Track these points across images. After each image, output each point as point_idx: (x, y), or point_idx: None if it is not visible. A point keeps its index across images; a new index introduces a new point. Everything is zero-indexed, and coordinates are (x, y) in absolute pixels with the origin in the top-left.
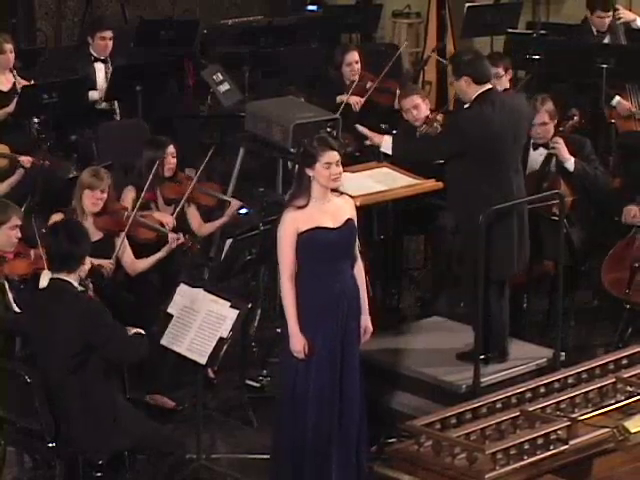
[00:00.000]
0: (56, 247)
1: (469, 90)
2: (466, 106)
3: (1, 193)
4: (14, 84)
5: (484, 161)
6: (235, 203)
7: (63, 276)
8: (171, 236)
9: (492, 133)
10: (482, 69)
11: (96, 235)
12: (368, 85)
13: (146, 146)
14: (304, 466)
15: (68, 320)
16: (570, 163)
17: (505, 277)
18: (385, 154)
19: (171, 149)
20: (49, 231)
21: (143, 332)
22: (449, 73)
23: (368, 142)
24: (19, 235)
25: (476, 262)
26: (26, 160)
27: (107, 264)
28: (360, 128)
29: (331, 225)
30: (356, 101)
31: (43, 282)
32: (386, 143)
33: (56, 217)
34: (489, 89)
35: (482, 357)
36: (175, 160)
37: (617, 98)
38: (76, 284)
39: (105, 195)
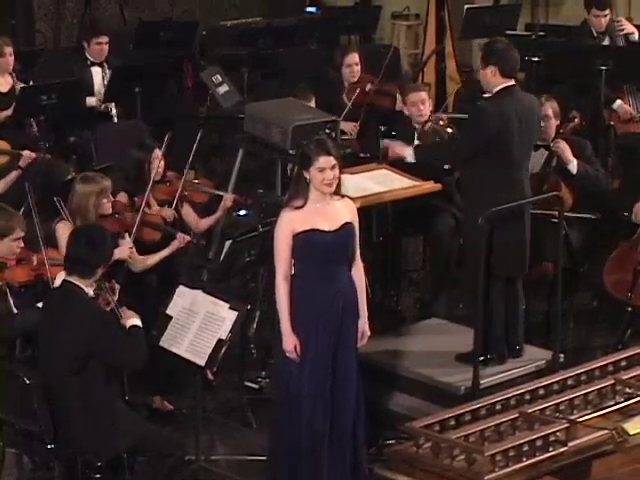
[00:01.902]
0: (74, 251)
1: (493, 80)
2: (486, 95)
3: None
4: (13, 86)
5: (498, 159)
6: (228, 197)
7: (75, 280)
8: (180, 235)
9: (508, 128)
10: (511, 62)
11: None
12: (368, 87)
13: (133, 150)
14: (298, 466)
15: (73, 324)
16: (573, 165)
17: (509, 274)
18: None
19: (157, 153)
20: (73, 233)
21: (140, 324)
22: (448, 75)
23: (394, 155)
24: (21, 245)
25: (479, 262)
26: (28, 155)
27: (125, 250)
28: (386, 142)
29: (327, 228)
30: (350, 128)
31: (57, 281)
32: (409, 153)
33: (63, 225)
34: (512, 85)
35: (481, 358)
36: (162, 163)
37: (618, 102)
38: (87, 290)
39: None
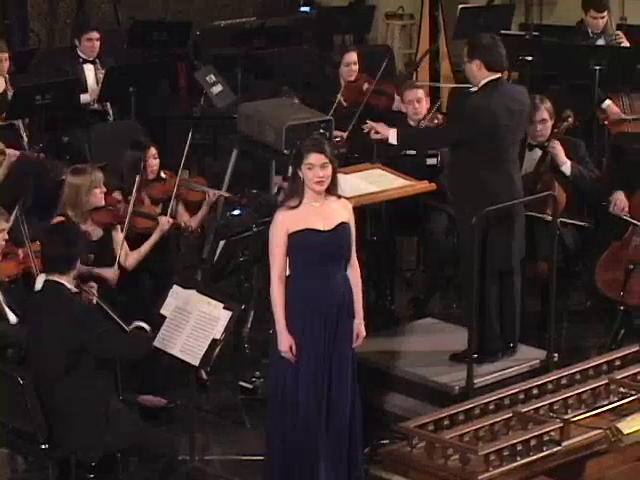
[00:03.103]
0: (50, 249)
1: (478, 74)
2: (473, 89)
3: None
4: (5, 90)
5: (489, 152)
6: (216, 192)
7: (56, 278)
8: (162, 219)
9: (498, 122)
10: (497, 57)
11: (97, 233)
12: (365, 87)
13: (129, 149)
14: (294, 466)
15: (60, 322)
16: (567, 167)
17: (499, 267)
18: (379, 155)
19: (152, 151)
20: (44, 233)
21: (144, 325)
22: (442, 75)
23: (377, 136)
24: (6, 237)
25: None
26: (12, 153)
27: (112, 274)
28: (370, 123)
29: (321, 227)
30: (338, 135)
31: (38, 284)
32: (392, 134)
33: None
34: (498, 78)
35: (475, 356)
36: (157, 162)
37: (607, 102)
38: (69, 286)
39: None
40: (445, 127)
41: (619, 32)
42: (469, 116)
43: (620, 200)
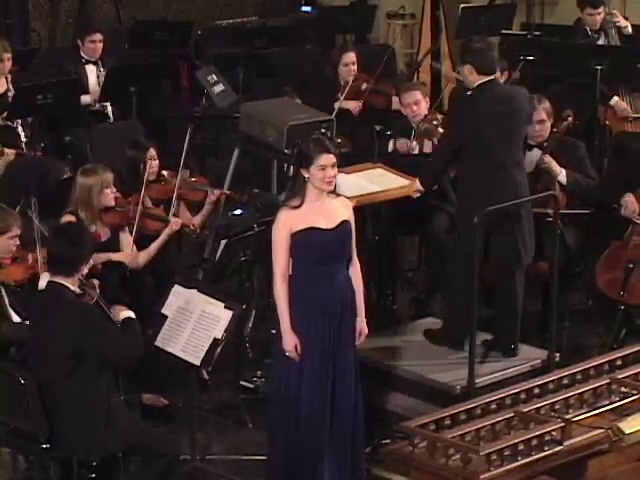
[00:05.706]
0: (56, 250)
1: (471, 78)
2: (468, 93)
3: None
4: (7, 90)
5: (485, 152)
6: (217, 191)
7: (60, 280)
8: (173, 220)
9: (491, 122)
10: (487, 60)
11: (106, 234)
12: (363, 86)
13: (127, 149)
14: (298, 466)
15: (62, 324)
16: (562, 176)
17: (505, 268)
18: (380, 155)
19: (152, 152)
20: (52, 232)
21: (133, 315)
22: (443, 74)
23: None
24: (17, 243)
25: (467, 258)
26: (10, 152)
27: (128, 255)
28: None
29: (324, 226)
30: (355, 105)
31: (42, 283)
32: (418, 184)
33: (68, 219)
34: (492, 80)
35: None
36: (157, 163)
37: (615, 98)
38: (73, 288)
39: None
40: (442, 138)
41: (615, 11)
42: (458, 121)
43: (631, 203)
